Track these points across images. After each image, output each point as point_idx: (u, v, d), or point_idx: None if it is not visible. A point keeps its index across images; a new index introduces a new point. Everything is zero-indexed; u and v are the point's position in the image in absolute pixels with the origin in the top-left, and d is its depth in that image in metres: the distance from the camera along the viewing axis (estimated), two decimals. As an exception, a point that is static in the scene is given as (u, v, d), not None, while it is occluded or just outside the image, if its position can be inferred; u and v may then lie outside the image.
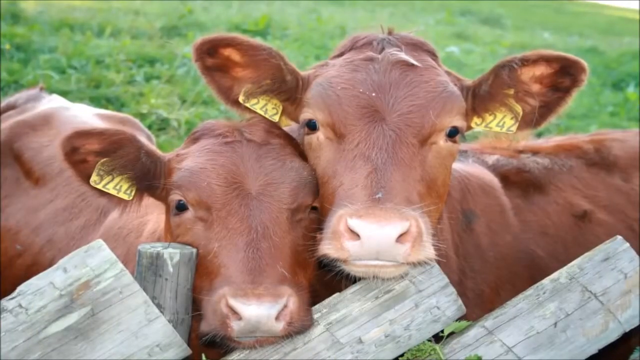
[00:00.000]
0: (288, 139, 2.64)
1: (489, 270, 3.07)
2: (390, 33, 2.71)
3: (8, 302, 2.18)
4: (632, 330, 2.54)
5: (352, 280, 2.39)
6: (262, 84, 2.62)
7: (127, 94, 7.25)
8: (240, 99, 2.64)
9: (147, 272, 2.34)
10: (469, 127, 2.68)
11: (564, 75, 2.60)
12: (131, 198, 2.59)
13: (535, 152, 3.52)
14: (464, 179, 3.16)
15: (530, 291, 2.51)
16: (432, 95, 2.48)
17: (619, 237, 2.56)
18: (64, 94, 5.73)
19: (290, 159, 2.53)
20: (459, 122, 2.53)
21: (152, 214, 2.93)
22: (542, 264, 3.14)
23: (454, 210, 3.02)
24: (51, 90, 5.05)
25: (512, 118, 2.66)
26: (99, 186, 2.55)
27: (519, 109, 2.64)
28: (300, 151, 2.61)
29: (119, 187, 2.56)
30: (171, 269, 2.33)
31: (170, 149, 3.60)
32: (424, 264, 2.32)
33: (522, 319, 2.47)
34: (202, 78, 2.67)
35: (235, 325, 2.23)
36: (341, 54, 2.68)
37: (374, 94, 2.45)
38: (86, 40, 8.77)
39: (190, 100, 7.24)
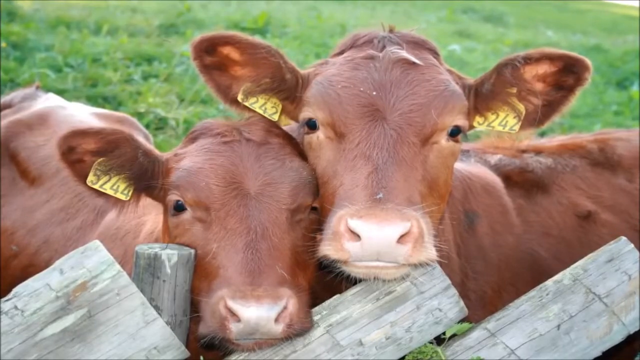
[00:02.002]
0: (287, 138, 2.62)
1: (491, 272, 3.06)
2: (391, 31, 2.69)
3: (4, 304, 2.17)
4: (636, 333, 2.52)
5: (352, 281, 2.38)
6: (262, 83, 2.60)
7: (125, 93, 7.21)
8: (239, 97, 2.62)
9: (145, 273, 2.32)
10: (471, 127, 2.66)
11: (567, 73, 2.58)
12: (128, 198, 2.57)
13: (538, 151, 3.50)
14: (466, 178, 3.14)
15: (533, 293, 2.49)
16: (433, 94, 2.46)
17: (623, 238, 2.54)
18: (60, 92, 5.69)
19: (289, 158, 2.50)
20: (460, 121, 2.51)
21: (149, 215, 2.90)
22: (545, 265, 3.12)
23: (456, 210, 3.00)
24: (47, 89, 5.03)
25: (514, 117, 2.64)
26: (96, 186, 2.53)
27: (521, 107, 2.62)
28: (300, 151, 2.59)
29: (116, 187, 2.54)
30: (169, 270, 2.31)
31: (168, 149, 3.58)
32: (426, 265, 2.30)
33: (525, 320, 2.45)
34: (201, 77, 2.65)
35: (234, 327, 2.22)
36: (341, 52, 2.65)
37: (374, 93, 2.43)
38: (83, 39, 8.73)
39: (188, 99, 7.20)
